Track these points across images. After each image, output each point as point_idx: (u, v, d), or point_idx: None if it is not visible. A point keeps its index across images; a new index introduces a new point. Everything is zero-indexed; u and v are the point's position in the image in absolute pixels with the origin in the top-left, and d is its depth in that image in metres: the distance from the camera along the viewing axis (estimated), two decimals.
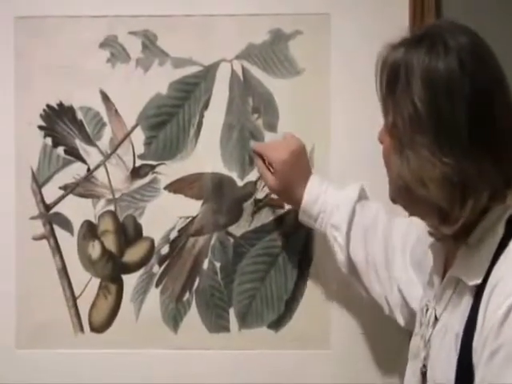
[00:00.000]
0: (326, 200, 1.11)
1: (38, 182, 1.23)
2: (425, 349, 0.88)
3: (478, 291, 0.80)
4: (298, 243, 1.25)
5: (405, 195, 0.85)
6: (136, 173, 1.24)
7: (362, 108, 1.22)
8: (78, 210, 1.24)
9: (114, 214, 1.24)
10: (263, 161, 1.15)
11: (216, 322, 1.24)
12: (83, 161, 1.25)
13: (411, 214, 0.90)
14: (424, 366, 0.88)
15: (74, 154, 1.24)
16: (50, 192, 1.24)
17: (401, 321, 1.08)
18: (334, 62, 1.23)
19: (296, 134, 1.18)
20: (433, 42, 0.81)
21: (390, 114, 0.84)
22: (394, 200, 0.90)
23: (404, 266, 1.06)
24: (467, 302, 0.82)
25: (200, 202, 1.24)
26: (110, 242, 1.25)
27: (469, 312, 0.81)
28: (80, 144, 1.24)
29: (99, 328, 1.24)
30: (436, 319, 0.88)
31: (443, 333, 0.85)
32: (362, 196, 1.12)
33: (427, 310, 0.91)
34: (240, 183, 1.25)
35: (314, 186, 1.12)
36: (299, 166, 1.12)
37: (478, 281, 0.81)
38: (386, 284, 1.08)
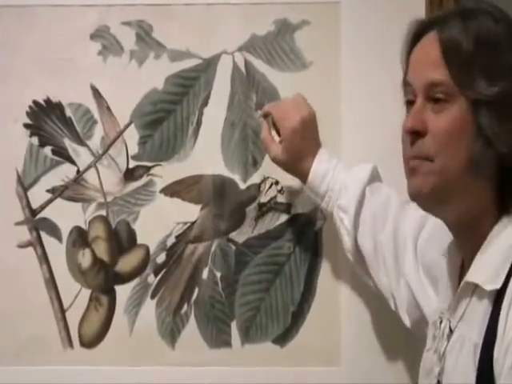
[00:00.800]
0: (335, 178, 1.11)
1: (24, 185, 1.23)
2: (439, 364, 0.88)
3: (498, 297, 0.80)
4: (306, 250, 1.24)
5: (453, 187, 0.84)
6: (130, 175, 1.23)
7: (375, 104, 1.22)
8: (66, 214, 1.23)
9: (105, 220, 1.23)
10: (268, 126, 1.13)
11: (217, 337, 1.24)
12: (72, 162, 1.24)
13: (440, 214, 0.89)
14: (438, 382, 0.88)
15: (63, 155, 1.24)
16: (37, 195, 1.23)
17: (406, 321, 1.07)
18: (345, 54, 1.23)
19: None
20: (482, 13, 0.85)
21: (478, 86, 0.83)
22: (427, 197, 0.86)
23: (415, 263, 1.06)
24: (485, 309, 0.81)
25: (199, 207, 1.24)
26: (102, 250, 1.24)
27: (488, 321, 0.80)
28: (69, 143, 1.23)
29: (90, 343, 1.24)
30: (451, 331, 0.87)
31: (460, 345, 0.85)
32: (374, 178, 1.12)
33: (441, 322, 0.90)
34: (242, 186, 1.24)
35: (323, 160, 1.12)
36: (309, 136, 1.11)
37: (498, 286, 0.81)
38: (393, 278, 1.08)
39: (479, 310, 0.83)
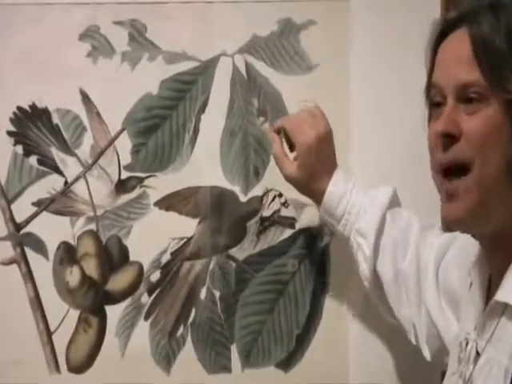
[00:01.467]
0: (353, 200, 1.09)
1: (7, 198, 1.22)
2: None
3: None
4: (312, 268, 1.23)
5: (492, 197, 0.82)
6: (121, 186, 1.22)
7: (389, 110, 1.20)
8: (53, 229, 1.22)
9: (95, 235, 1.22)
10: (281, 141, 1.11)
11: (215, 361, 1.23)
12: (60, 172, 1.22)
13: (477, 231, 0.86)
14: None
15: (49, 165, 1.22)
16: (21, 209, 1.21)
17: (427, 353, 1.05)
18: (354, 56, 1.21)
19: None
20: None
21: None
22: (468, 219, 0.84)
23: (436, 289, 1.04)
24: None
25: (196, 221, 1.23)
26: (91, 268, 1.22)
27: None
28: (56, 153, 1.22)
29: (78, 367, 1.22)
30: (478, 354, 0.85)
31: (488, 368, 0.83)
32: (394, 202, 1.10)
33: (467, 343, 0.88)
34: (243, 198, 1.23)
35: (339, 182, 1.10)
36: (324, 154, 1.09)
37: None
38: (414, 308, 1.06)
39: (509, 331, 0.81)
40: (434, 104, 0.86)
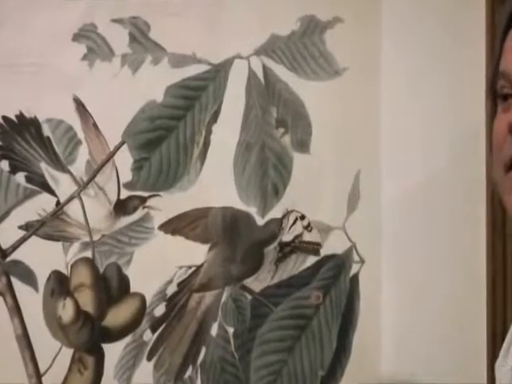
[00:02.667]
0: None
1: None
2: None
3: None
4: (339, 301, 1.19)
5: None
6: (121, 207, 1.20)
7: (422, 120, 1.17)
8: (43, 256, 1.20)
9: (91, 263, 1.20)
10: None
11: None
12: (51, 191, 1.20)
13: None
14: None
15: (39, 183, 1.20)
16: (7, 233, 1.20)
17: None
18: (386, 58, 1.18)
19: (335, 155, 1.15)
20: None
21: None
22: None
23: None
24: None
25: (206, 247, 1.20)
26: (87, 300, 1.19)
27: None
28: (47, 169, 1.20)
29: None
30: None
31: None
32: None
33: None
34: (260, 221, 1.20)
35: None
36: None
37: None
38: None
39: None
40: (501, 96, 0.79)
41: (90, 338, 1.19)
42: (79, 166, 1.20)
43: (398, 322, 1.15)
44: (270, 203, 1.19)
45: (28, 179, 1.19)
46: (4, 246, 1.19)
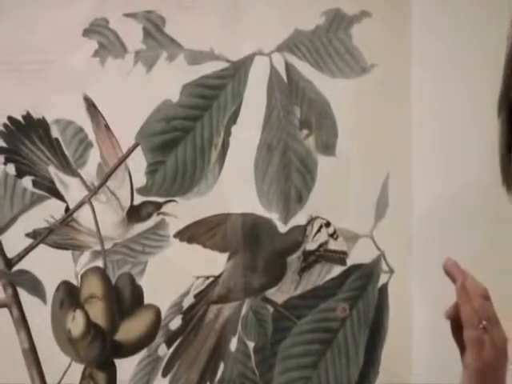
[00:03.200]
0: None
1: None
2: None
3: None
4: (366, 314, 1.18)
5: None
6: (134, 214, 1.18)
7: (456, 120, 1.15)
8: (52, 266, 1.18)
9: (103, 273, 1.18)
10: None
11: None
12: (60, 197, 1.19)
13: None
14: None
15: (47, 187, 1.19)
16: (13, 241, 1.18)
17: None
18: (416, 55, 1.17)
19: (363, 158, 1.13)
20: None
21: None
22: None
23: None
24: None
25: (225, 256, 1.19)
26: (98, 313, 1.18)
27: None
28: (55, 173, 1.18)
29: None
30: None
31: None
32: None
33: None
34: (283, 228, 1.18)
35: None
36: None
37: None
38: None
39: None
40: None
41: (101, 352, 1.17)
42: (90, 170, 1.18)
43: (429, 336, 1.13)
44: (292, 209, 1.18)
45: (35, 184, 1.18)
46: (10, 255, 1.18)
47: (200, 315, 1.18)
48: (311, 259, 1.18)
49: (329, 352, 1.18)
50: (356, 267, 1.18)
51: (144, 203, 1.18)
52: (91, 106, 1.18)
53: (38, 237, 1.18)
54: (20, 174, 1.17)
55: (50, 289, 1.17)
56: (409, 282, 1.15)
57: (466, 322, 0.93)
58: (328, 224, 1.17)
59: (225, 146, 1.18)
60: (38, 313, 1.17)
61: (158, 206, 1.18)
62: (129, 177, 1.18)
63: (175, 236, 1.17)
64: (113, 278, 1.18)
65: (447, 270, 0.98)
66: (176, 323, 1.18)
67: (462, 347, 0.93)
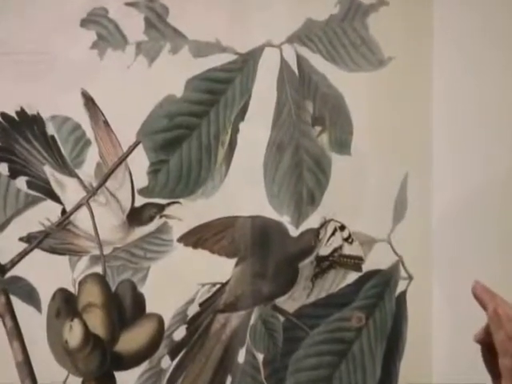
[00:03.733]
0: None
1: None
2: None
3: None
4: (384, 324, 1.17)
5: None
6: (136, 216, 1.16)
7: (480, 117, 1.14)
8: (47, 272, 1.15)
9: (102, 280, 1.16)
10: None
11: None
12: (56, 198, 1.16)
13: None
14: None
15: (42, 188, 1.16)
16: (6, 246, 1.16)
17: None
18: (438, 46, 1.15)
19: (380, 156, 1.12)
20: None
21: None
22: None
23: None
24: None
25: (233, 262, 1.17)
26: (97, 322, 1.14)
27: None
28: (51, 173, 1.16)
29: None
30: None
31: None
32: None
33: None
34: (294, 232, 1.16)
35: None
36: None
37: None
38: None
39: None
40: None
41: (100, 364, 1.14)
42: (88, 170, 1.16)
43: (451, 348, 1.12)
44: (305, 211, 1.16)
45: (30, 184, 1.16)
46: (3, 261, 1.16)
47: (206, 325, 1.16)
48: (325, 265, 1.17)
49: (343, 364, 1.16)
50: (372, 273, 1.16)
51: (146, 205, 1.16)
52: (89, 102, 1.15)
53: (33, 241, 1.16)
54: (13, 174, 1.15)
55: (46, 297, 1.15)
56: (429, 289, 1.14)
57: (501, 350, 0.92)
58: (343, 227, 1.16)
59: (232, 144, 1.16)
60: (33, 322, 1.15)
61: (161, 208, 1.16)
62: (129, 177, 1.16)
63: (179, 240, 1.16)
64: (112, 286, 1.16)
65: (477, 295, 0.98)
66: (180, 333, 1.16)
67: (494, 375, 0.91)
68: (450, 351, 1.13)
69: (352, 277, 1.16)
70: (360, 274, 1.16)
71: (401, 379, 1.17)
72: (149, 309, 1.15)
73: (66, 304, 1.15)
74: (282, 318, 1.16)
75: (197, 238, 1.16)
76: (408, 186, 1.15)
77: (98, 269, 1.16)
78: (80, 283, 1.15)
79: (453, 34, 1.16)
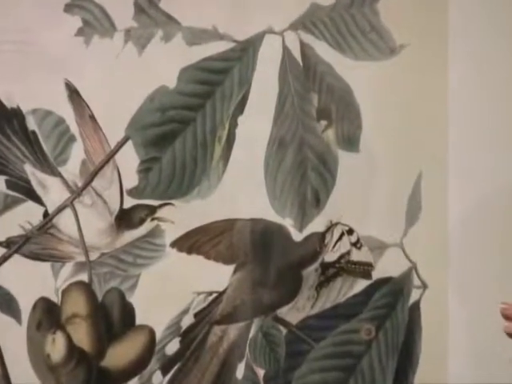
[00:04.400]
0: None
1: None
2: None
3: None
4: (395, 336, 1.14)
5: None
6: (125, 219, 1.14)
7: (499, 110, 1.12)
8: (28, 280, 1.13)
9: (88, 288, 1.12)
10: None
11: None
12: (37, 199, 1.13)
13: None
14: None
15: (23, 189, 1.14)
16: None
17: None
18: (455, 34, 1.12)
19: (391, 154, 1.10)
20: None
21: None
22: None
23: None
24: None
25: (231, 268, 1.14)
26: (82, 335, 1.11)
27: None
28: (32, 172, 1.14)
29: None
30: None
31: None
32: None
33: None
34: (298, 236, 1.13)
35: None
36: None
37: None
38: None
39: None
40: None
41: (85, 381, 1.10)
42: (72, 168, 1.13)
43: (468, 362, 1.10)
44: (309, 214, 1.13)
45: (9, 184, 1.13)
46: None
47: (201, 338, 1.13)
48: (331, 272, 1.14)
49: (351, 381, 1.13)
50: (383, 281, 1.14)
51: (136, 207, 1.13)
52: (74, 94, 1.12)
53: (12, 246, 1.13)
54: None
55: (26, 307, 1.12)
56: (445, 298, 1.12)
57: None
58: (350, 231, 1.13)
59: (230, 139, 1.13)
60: (12, 335, 1.13)
61: (153, 209, 1.13)
62: (118, 176, 1.13)
63: (172, 245, 1.13)
64: (99, 295, 1.13)
65: (506, 315, 0.95)
66: (173, 347, 1.13)
67: None
68: (467, 366, 1.11)
69: (361, 285, 1.14)
70: (369, 282, 1.14)
71: None
72: (139, 320, 1.12)
73: (48, 315, 1.12)
74: (284, 330, 1.13)
75: (191, 242, 1.13)
76: (422, 186, 1.13)
77: (84, 276, 1.13)
78: (63, 292, 1.12)
79: (469, 19, 1.13)
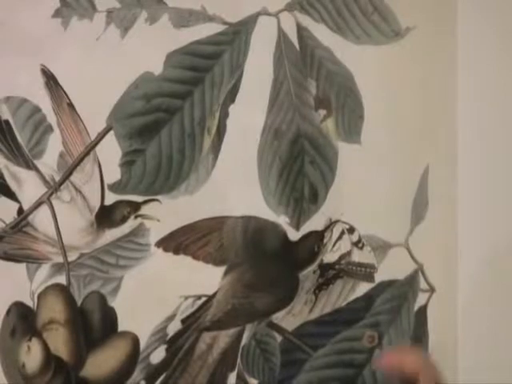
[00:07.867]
0: None
1: None
2: None
3: None
4: (400, 343, 1.14)
5: None
6: (106, 217, 1.12)
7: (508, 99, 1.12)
8: (1, 283, 1.10)
9: (65, 292, 1.11)
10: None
11: None
12: (11, 195, 1.11)
13: None
14: None
15: None
16: None
17: None
18: (464, 14, 1.13)
19: (395, 146, 1.11)
20: None
21: None
22: None
23: None
24: None
25: (221, 270, 1.13)
26: (60, 343, 1.10)
27: None
28: (5, 165, 1.12)
29: None
30: None
31: None
32: None
33: None
34: (294, 235, 1.12)
35: None
36: None
37: None
38: None
39: None
40: None
41: None
42: (49, 161, 1.11)
43: (478, 370, 1.10)
44: (306, 211, 1.13)
45: None
46: None
47: (189, 345, 1.12)
48: (330, 274, 1.13)
49: None
50: (387, 284, 1.14)
51: (118, 203, 1.11)
52: (51, 81, 1.10)
53: None
54: None
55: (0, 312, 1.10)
56: (453, 302, 1.13)
57: None
58: (351, 230, 1.13)
59: (220, 130, 1.12)
60: None
61: (136, 206, 1.11)
62: (99, 170, 1.12)
63: (158, 245, 1.11)
64: (78, 299, 1.11)
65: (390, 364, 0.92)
66: (159, 355, 1.11)
67: None
68: (477, 374, 1.10)
69: (362, 288, 1.13)
70: (372, 285, 1.14)
71: None
72: (121, 326, 1.11)
73: (23, 320, 1.10)
74: (279, 338, 1.13)
75: (178, 242, 1.12)
76: (429, 180, 1.13)
77: (62, 279, 1.11)
78: (40, 296, 1.11)
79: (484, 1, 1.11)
